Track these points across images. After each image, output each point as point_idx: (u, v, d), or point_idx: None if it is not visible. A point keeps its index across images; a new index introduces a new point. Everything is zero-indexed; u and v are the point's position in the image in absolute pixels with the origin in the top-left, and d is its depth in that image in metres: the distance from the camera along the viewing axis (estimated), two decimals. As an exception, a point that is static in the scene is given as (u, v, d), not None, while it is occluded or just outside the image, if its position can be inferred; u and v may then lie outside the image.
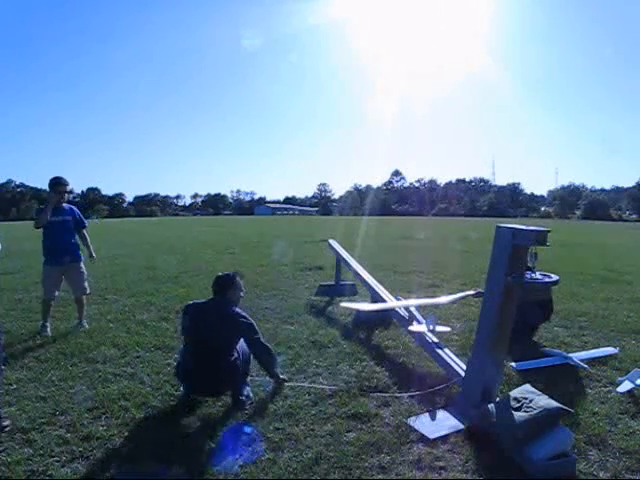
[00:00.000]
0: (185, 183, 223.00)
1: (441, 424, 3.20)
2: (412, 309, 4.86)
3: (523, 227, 3.03)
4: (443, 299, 4.88)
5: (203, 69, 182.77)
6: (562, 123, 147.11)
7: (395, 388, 3.83)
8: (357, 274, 6.64)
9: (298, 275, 9.70)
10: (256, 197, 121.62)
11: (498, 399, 3.17)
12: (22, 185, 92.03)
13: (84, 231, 5.69)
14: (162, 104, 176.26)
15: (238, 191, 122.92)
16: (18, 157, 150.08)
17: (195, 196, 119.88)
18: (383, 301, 5.51)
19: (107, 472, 2.69)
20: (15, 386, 3.82)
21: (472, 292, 4.25)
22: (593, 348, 4.78)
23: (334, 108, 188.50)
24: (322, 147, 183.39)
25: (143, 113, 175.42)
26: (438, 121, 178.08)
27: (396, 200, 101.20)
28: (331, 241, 8.10)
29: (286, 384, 3.81)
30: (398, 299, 5.66)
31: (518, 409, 2.87)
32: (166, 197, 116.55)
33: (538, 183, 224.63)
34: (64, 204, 5.45)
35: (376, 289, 5.89)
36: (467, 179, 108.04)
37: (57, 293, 5.46)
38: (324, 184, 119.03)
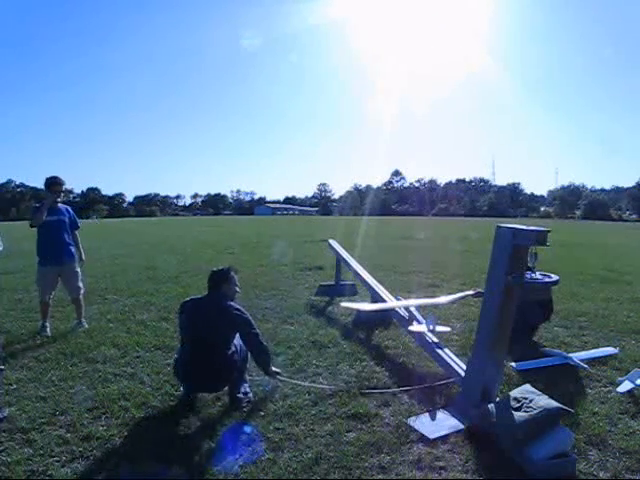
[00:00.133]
0: (185, 183, 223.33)
1: (441, 424, 3.20)
2: (412, 309, 4.86)
3: (523, 227, 3.03)
4: (443, 299, 4.88)
5: (203, 69, 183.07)
6: (562, 123, 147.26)
7: (395, 387, 3.82)
8: (357, 274, 6.64)
9: (298, 275, 9.70)
10: (256, 197, 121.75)
11: (498, 399, 3.17)
12: (22, 185, 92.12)
13: (76, 232, 5.63)
14: (162, 104, 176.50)
15: (238, 191, 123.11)
16: (18, 157, 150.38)
17: (195, 196, 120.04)
18: (383, 301, 5.52)
19: (107, 472, 2.68)
20: (15, 386, 3.82)
21: (472, 292, 4.25)
22: (593, 348, 4.78)
23: (334, 108, 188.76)
24: (322, 147, 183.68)
25: (143, 113, 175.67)
26: (438, 121, 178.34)
27: (396, 200, 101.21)
28: (331, 241, 8.10)
29: (284, 382, 3.81)
30: (398, 299, 5.66)
31: (518, 409, 2.87)
32: (166, 197, 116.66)
33: (538, 183, 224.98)
34: (59, 204, 5.42)
35: (376, 289, 5.89)
36: (467, 179, 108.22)
37: (53, 293, 5.45)
38: (324, 184, 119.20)
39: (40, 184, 5.42)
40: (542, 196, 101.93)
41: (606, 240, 22.21)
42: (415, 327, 4.50)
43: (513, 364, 4.22)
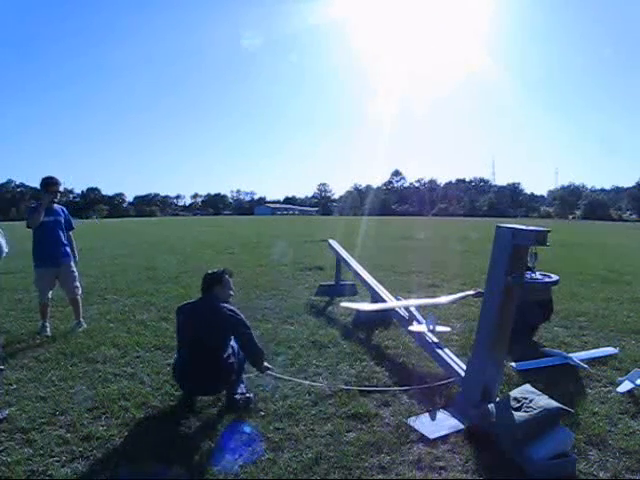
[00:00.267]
0: (185, 183, 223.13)
1: (441, 424, 3.20)
2: (412, 309, 4.87)
3: (523, 227, 3.03)
4: (443, 299, 4.88)
5: (203, 69, 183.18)
6: (562, 123, 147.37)
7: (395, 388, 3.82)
8: (357, 274, 6.64)
9: (298, 275, 9.70)
10: (256, 197, 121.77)
11: (498, 399, 3.17)
12: (22, 185, 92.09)
13: (71, 233, 5.59)
14: (162, 104, 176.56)
15: (238, 191, 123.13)
16: (18, 157, 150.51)
17: (195, 196, 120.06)
18: (383, 301, 5.52)
19: (107, 472, 2.68)
20: (15, 386, 3.83)
21: (472, 292, 4.25)
22: (593, 348, 4.78)
23: (334, 108, 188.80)
24: (322, 147, 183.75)
25: (143, 113, 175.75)
26: (438, 121, 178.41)
27: (396, 200, 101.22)
28: (331, 241, 8.10)
29: (282, 381, 3.81)
30: (398, 299, 5.66)
31: (518, 409, 2.87)
32: (166, 197, 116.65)
33: (538, 183, 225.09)
34: (55, 204, 5.38)
35: (376, 289, 5.89)
36: (467, 179, 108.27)
37: (51, 294, 5.45)
38: (324, 184, 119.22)
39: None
40: (542, 196, 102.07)
41: (606, 240, 22.21)
42: (415, 327, 4.50)
43: (513, 364, 4.22)
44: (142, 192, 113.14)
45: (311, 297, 7.35)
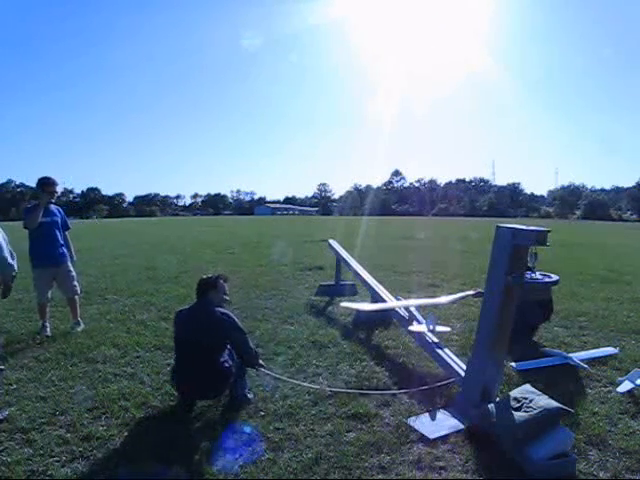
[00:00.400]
0: (185, 183, 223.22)
1: (441, 424, 3.20)
2: (412, 309, 4.87)
3: (523, 227, 3.03)
4: (443, 299, 4.88)
5: (203, 69, 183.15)
6: (562, 123, 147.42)
7: (395, 388, 3.83)
8: (357, 274, 6.64)
9: (298, 275, 9.70)
10: (256, 197, 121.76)
11: (498, 399, 3.17)
12: (22, 185, 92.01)
13: (67, 233, 5.58)
14: (162, 104, 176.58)
15: (238, 191, 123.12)
16: (18, 157, 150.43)
17: (195, 196, 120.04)
18: (383, 301, 5.52)
19: (107, 472, 2.69)
20: (15, 386, 3.83)
21: (472, 292, 4.25)
22: (593, 348, 4.78)
23: (334, 108, 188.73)
24: (322, 147, 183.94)
25: (143, 113, 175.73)
26: (438, 121, 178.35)
27: (396, 200, 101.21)
28: (331, 241, 8.10)
29: (284, 383, 3.81)
30: (398, 299, 5.66)
31: (518, 409, 2.87)
32: (166, 197, 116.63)
33: (538, 183, 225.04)
34: (51, 205, 5.35)
35: (376, 289, 5.89)
36: (467, 179, 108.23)
37: (50, 294, 5.45)
38: (324, 184, 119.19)
39: (40, 184, 5.35)
40: (542, 196, 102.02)
41: (606, 240, 22.21)
42: (415, 327, 4.50)
43: (513, 364, 4.22)
44: (142, 192, 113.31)
45: (311, 297, 7.35)
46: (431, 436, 3.03)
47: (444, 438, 3.02)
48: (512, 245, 2.99)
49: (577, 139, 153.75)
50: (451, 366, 3.73)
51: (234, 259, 12.58)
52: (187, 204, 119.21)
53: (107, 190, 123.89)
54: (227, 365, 3.42)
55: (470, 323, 5.63)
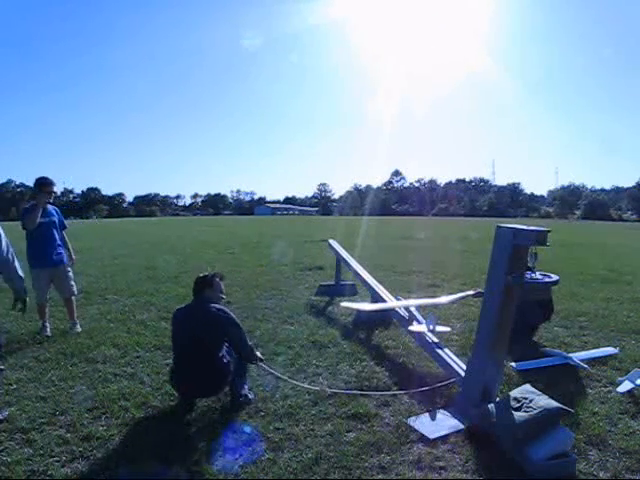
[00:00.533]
0: (185, 183, 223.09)
1: (441, 424, 3.20)
2: (412, 309, 4.87)
3: (523, 227, 3.03)
4: (443, 299, 4.88)
5: (203, 69, 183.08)
6: (562, 123, 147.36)
7: (395, 388, 3.83)
8: (357, 274, 6.64)
9: (298, 275, 9.70)
10: (256, 197, 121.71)
11: (498, 399, 3.17)
12: (22, 185, 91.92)
13: (64, 232, 5.57)
14: (162, 104, 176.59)
15: (238, 191, 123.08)
16: (18, 157, 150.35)
17: (195, 196, 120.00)
18: (383, 301, 5.52)
19: (107, 472, 2.68)
20: (15, 386, 3.82)
21: (472, 292, 4.25)
22: (593, 348, 4.78)
23: (334, 108, 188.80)
24: (322, 147, 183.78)
25: (143, 113, 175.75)
26: (438, 121, 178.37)
27: (396, 200, 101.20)
28: (331, 241, 8.10)
29: (284, 382, 3.81)
30: (398, 299, 5.66)
31: (518, 409, 2.87)
32: (166, 197, 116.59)
33: (538, 183, 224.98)
34: (48, 205, 5.33)
35: (376, 289, 5.89)
36: (467, 179, 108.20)
37: (48, 294, 5.45)
38: (324, 184, 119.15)
39: (40, 184, 5.33)
40: (542, 196, 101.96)
41: (606, 240, 22.21)
42: (415, 327, 4.50)
43: (513, 364, 4.22)
44: (142, 192, 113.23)
45: (311, 297, 7.35)
46: (431, 436, 3.03)
47: (444, 438, 3.02)
48: (512, 245, 2.99)
49: (577, 139, 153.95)
50: (451, 366, 3.73)
51: (234, 259, 12.58)
52: (187, 204, 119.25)
53: (107, 190, 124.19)
54: (225, 361, 3.42)
55: (470, 323, 5.62)
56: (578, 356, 4.37)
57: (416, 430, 3.12)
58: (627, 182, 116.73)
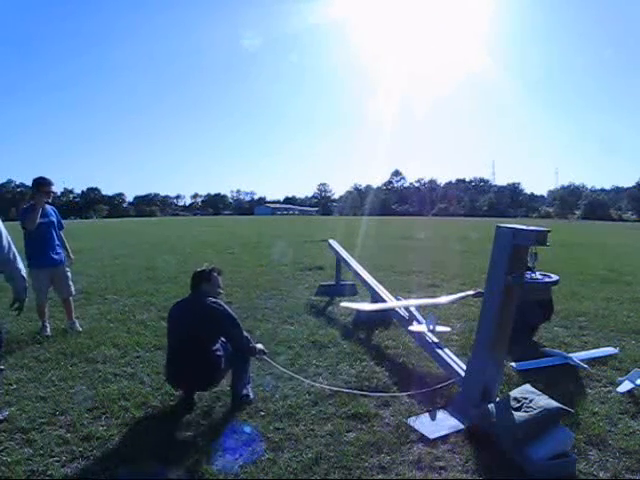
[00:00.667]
0: (185, 183, 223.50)
1: (441, 424, 3.20)
2: (412, 309, 4.86)
3: (523, 227, 3.03)
4: (443, 299, 4.88)
5: (203, 69, 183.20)
6: (562, 123, 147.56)
7: (395, 388, 3.83)
8: (357, 274, 6.64)
9: (298, 275, 9.70)
10: (256, 197, 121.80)
11: (498, 399, 3.17)
12: (22, 185, 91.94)
13: (61, 232, 5.57)
14: (162, 104, 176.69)
15: (238, 191, 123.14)
16: (18, 157, 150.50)
17: (195, 196, 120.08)
18: (383, 301, 5.51)
19: (107, 472, 2.68)
20: (15, 386, 3.82)
21: (472, 292, 4.24)
22: (593, 348, 4.78)
23: (334, 108, 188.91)
24: (322, 147, 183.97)
25: (143, 113, 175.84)
26: (438, 121, 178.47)
27: (396, 200, 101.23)
28: (331, 241, 8.10)
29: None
30: (398, 299, 5.66)
31: (518, 409, 2.87)
32: (166, 197, 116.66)
33: (538, 183, 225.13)
34: (47, 205, 5.32)
35: (376, 289, 5.89)
36: (467, 179, 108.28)
37: (48, 294, 5.44)
38: (324, 184, 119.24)
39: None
40: (542, 196, 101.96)
41: (606, 240, 22.21)
42: (415, 327, 4.50)
43: (513, 364, 4.22)
44: (142, 192, 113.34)
45: (311, 297, 7.35)
46: (431, 436, 3.03)
47: (444, 438, 3.02)
48: (512, 245, 2.99)
49: (577, 139, 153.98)
50: (451, 366, 3.73)
51: (234, 259, 12.58)
52: (187, 204, 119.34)
53: (107, 190, 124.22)
54: (218, 355, 3.42)
55: (470, 323, 5.62)
56: (578, 356, 4.37)
57: (416, 430, 3.12)
58: (627, 182, 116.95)
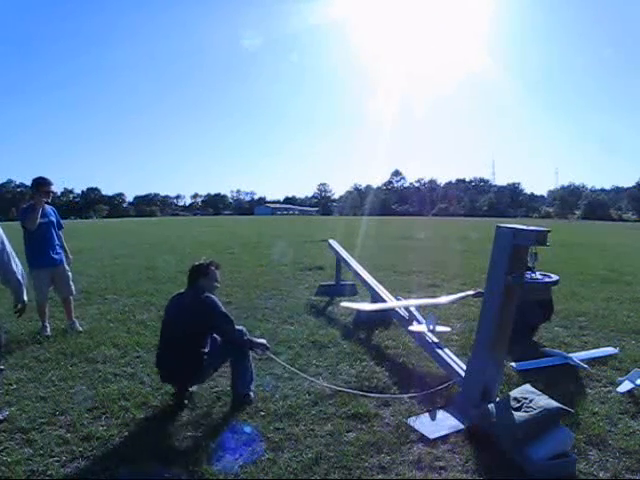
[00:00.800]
0: (185, 183, 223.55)
1: (441, 424, 3.20)
2: (412, 309, 4.86)
3: (523, 227, 3.03)
4: (443, 299, 4.88)
5: (203, 69, 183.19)
6: (562, 123, 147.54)
7: (395, 388, 3.83)
8: (357, 274, 6.64)
9: (298, 275, 9.70)
10: (256, 197, 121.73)
11: (498, 399, 3.17)
12: (22, 185, 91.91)
13: (61, 233, 5.57)
14: (162, 104, 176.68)
15: (238, 191, 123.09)
16: (18, 157, 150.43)
17: (195, 196, 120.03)
18: (383, 301, 5.51)
19: (107, 472, 2.68)
20: (15, 386, 3.82)
21: (472, 292, 4.25)
22: (593, 348, 4.78)
23: (334, 108, 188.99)
24: (322, 147, 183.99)
25: (143, 113, 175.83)
26: (438, 121, 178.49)
27: (396, 200, 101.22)
28: (331, 241, 8.10)
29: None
30: (398, 299, 5.66)
31: (518, 409, 2.86)
32: (166, 197, 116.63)
33: (538, 183, 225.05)
34: (46, 205, 5.31)
35: (376, 289, 5.89)
36: (467, 179, 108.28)
37: (48, 294, 5.44)
38: (324, 184, 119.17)
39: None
40: (542, 196, 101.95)
41: (606, 240, 22.20)
42: (415, 327, 4.50)
43: (513, 364, 4.22)
44: (142, 192, 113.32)
45: (311, 297, 7.35)
46: (431, 436, 3.03)
47: (444, 438, 3.02)
48: (512, 245, 2.99)
49: (577, 139, 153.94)
50: (451, 366, 3.73)
51: (234, 259, 12.57)
52: (187, 204, 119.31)
53: (107, 190, 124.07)
54: (205, 351, 3.46)
55: (470, 323, 5.62)
56: (578, 356, 4.37)
57: (416, 430, 3.12)
58: (627, 182, 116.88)
